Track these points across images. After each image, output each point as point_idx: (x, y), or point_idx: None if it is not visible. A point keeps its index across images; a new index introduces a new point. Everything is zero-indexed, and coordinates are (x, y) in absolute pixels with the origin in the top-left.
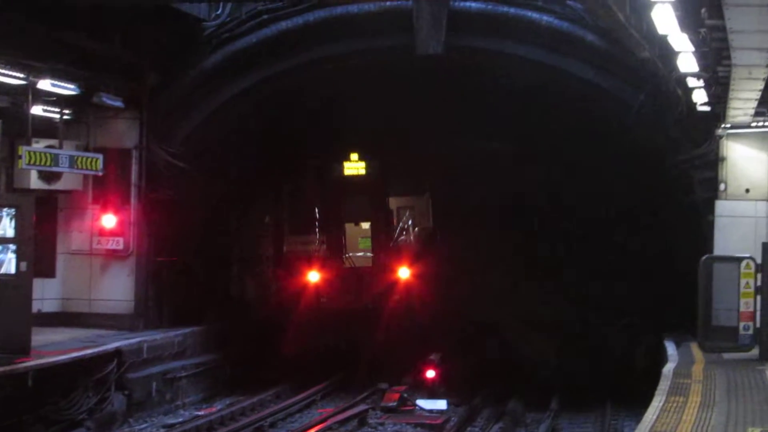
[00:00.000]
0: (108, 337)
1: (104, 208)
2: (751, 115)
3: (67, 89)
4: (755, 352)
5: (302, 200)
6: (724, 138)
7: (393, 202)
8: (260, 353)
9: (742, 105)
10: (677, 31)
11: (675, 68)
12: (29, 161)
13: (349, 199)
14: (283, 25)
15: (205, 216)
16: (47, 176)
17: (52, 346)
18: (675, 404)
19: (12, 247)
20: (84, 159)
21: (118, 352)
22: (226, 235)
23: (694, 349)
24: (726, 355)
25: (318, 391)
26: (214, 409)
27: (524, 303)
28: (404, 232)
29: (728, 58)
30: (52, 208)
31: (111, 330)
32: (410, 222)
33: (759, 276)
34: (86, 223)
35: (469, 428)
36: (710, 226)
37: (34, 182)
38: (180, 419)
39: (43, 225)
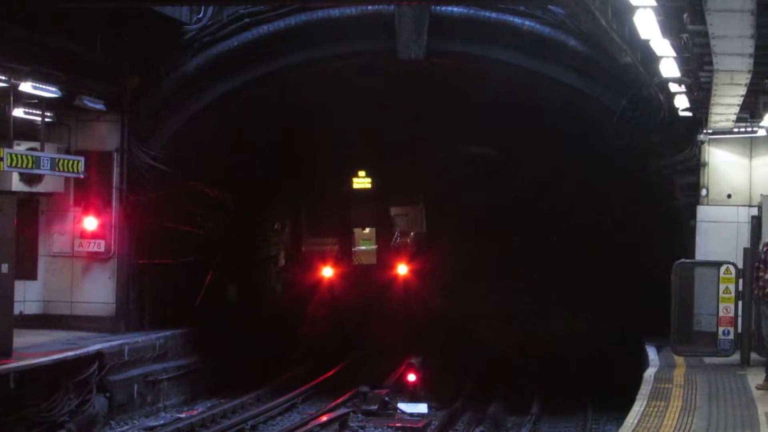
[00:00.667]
0: (89, 340)
1: (86, 211)
2: (733, 121)
3: (49, 92)
4: (736, 357)
5: (318, 209)
6: (706, 143)
7: (392, 211)
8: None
9: (724, 110)
10: (659, 36)
11: (657, 73)
12: (10, 163)
13: (356, 208)
14: (265, 28)
15: (189, 219)
16: (29, 178)
17: (34, 348)
18: (656, 409)
19: None
20: (65, 161)
21: (99, 355)
22: (214, 238)
23: (676, 353)
24: (707, 360)
25: (299, 394)
26: (195, 412)
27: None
28: (402, 236)
29: (710, 63)
30: (33, 211)
31: (92, 332)
32: (407, 227)
33: (740, 281)
34: (68, 225)
35: (449, 431)
36: (692, 231)
37: (16, 184)
38: (161, 421)
39: (24, 227)
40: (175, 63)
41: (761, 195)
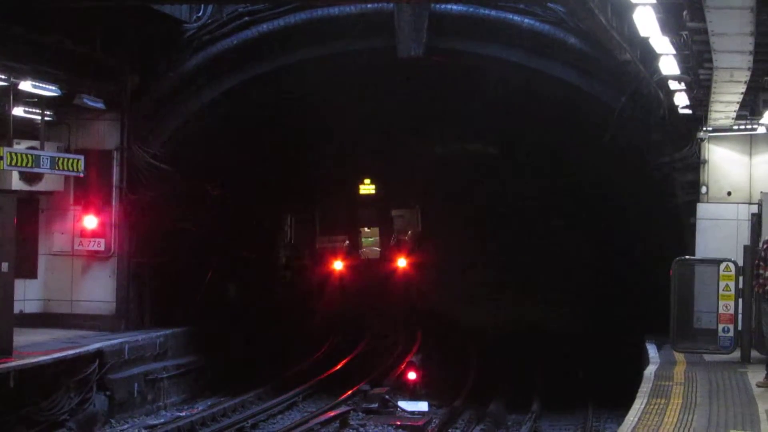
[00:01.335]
0: (89, 338)
1: (86, 210)
2: (732, 118)
3: (49, 90)
4: (736, 354)
5: (329, 211)
6: (705, 141)
7: (393, 213)
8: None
9: (723, 108)
10: (659, 33)
11: (656, 71)
12: (10, 162)
13: (363, 210)
14: (264, 27)
15: (189, 217)
16: (29, 177)
17: (34, 347)
18: (656, 406)
19: None
20: (65, 160)
21: (99, 353)
22: (214, 236)
23: (676, 351)
24: (707, 357)
25: (300, 392)
26: (195, 410)
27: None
28: (401, 234)
29: (710, 60)
30: (33, 209)
31: (92, 331)
32: (405, 226)
33: (740, 278)
34: (68, 224)
35: (450, 430)
36: (692, 228)
37: (16, 183)
38: (162, 420)
39: (24, 226)
40: (174, 62)
41: (761, 192)
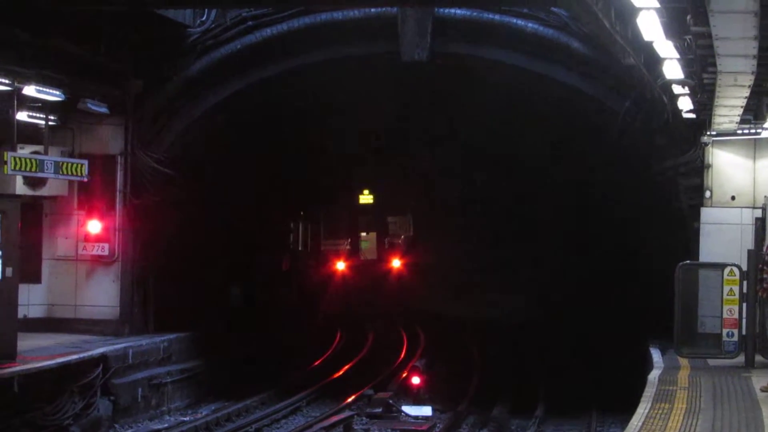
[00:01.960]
0: (93, 343)
1: (90, 214)
2: (736, 123)
3: (53, 95)
4: (740, 358)
5: (333, 217)
6: (709, 145)
7: (388, 219)
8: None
9: (727, 112)
10: (662, 38)
11: (660, 75)
12: (14, 167)
13: (362, 217)
14: (268, 31)
15: (193, 221)
16: (32, 182)
17: (38, 352)
18: (660, 411)
19: None
20: (69, 165)
21: (103, 358)
22: (219, 240)
23: (680, 355)
24: (711, 362)
25: (304, 397)
26: (199, 415)
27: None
28: (395, 237)
29: (714, 65)
30: (37, 214)
31: (97, 336)
32: (399, 231)
33: (745, 283)
34: (72, 228)
35: None
36: (695, 233)
37: (20, 188)
38: (165, 425)
39: (28, 231)
40: (178, 66)
41: (765, 197)
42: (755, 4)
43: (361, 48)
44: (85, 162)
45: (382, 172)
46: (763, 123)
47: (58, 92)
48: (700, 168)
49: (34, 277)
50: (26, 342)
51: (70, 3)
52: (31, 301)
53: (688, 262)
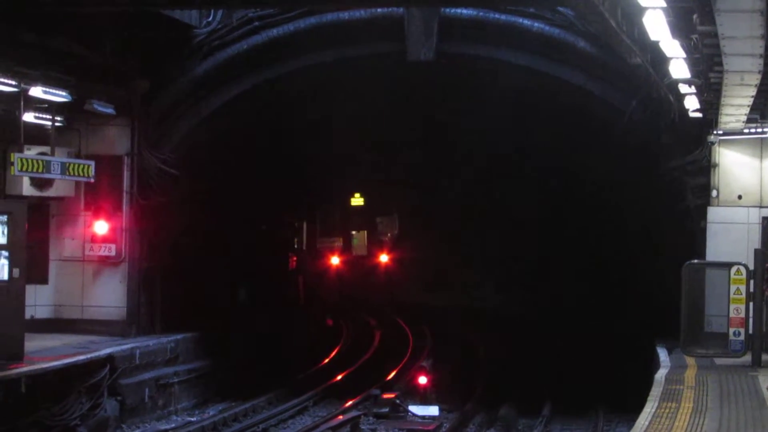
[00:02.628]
0: (100, 344)
1: (96, 215)
2: (743, 122)
3: (59, 96)
4: (747, 357)
5: (328, 217)
6: (716, 144)
7: (377, 219)
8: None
9: (734, 111)
10: (669, 37)
11: (667, 74)
12: (21, 168)
13: (354, 217)
14: (274, 32)
15: (199, 222)
16: (39, 183)
17: (45, 352)
18: (667, 410)
19: (4, 253)
20: (76, 166)
21: (110, 358)
22: (225, 241)
23: (686, 355)
24: (718, 361)
25: (311, 397)
26: (206, 415)
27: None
28: (383, 235)
29: (720, 64)
30: (44, 215)
31: (103, 336)
32: (386, 229)
33: (751, 282)
34: (78, 229)
35: None
36: (702, 232)
37: (27, 189)
38: (173, 425)
39: (35, 231)
40: (184, 67)
41: None
42: (762, 3)
43: (367, 48)
44: (92, 163)
45: (373, 174)
46: None
47: (64, 93)
48: (706, 167)
49: (41, 278)
50: (33, 342)
51: (75, 4)
52: (38, 301)
53: (694, 261)
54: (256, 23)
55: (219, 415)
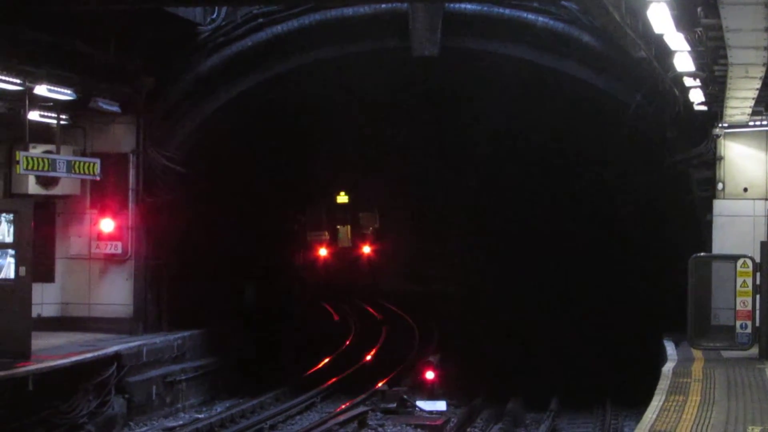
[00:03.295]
0: (107, 341)
1: (102, 213)
2: (748, 114)
3: (64, 94)
4: (754, 350)
5: (316, 213)
6: (721, 137)
7: (360, 215)
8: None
9: (739, 104)
10: (673, 30)
11: (671, 68)
12: (27, 166)
13: (339, 213)
14: (279, 28)
15: (205, 219)
16: (45, 181)
17: (52, 351)
18: (675, 403)
19: (11, 252)
20: (81, 164)
21: (117, 356)
22: (230, 238)
23: (694, 348)
24: (725, 354)
25: (318, 393)
26: (214, 412)
27: None
28: (365, 229)
29: (725, 57)
30: (50, 213)
31: (110, 334)
32: (368, 224)
33: (758, 275)
34: (84, 227)
35: (469, 429)
36: (708, 225)
37: (32, 187)
38: (180, 422)
39: (41, 230)
40: (189, 64)
41: None
42: None
43: (371, 44)
44: (97, 161)
45: (358, 173)
46: None
47: (69, 91)
48: (712, 160)
49: (48, 276)
50: (40, 341)
51: (80, 2)
52: (45, 300)
53: (701, 254)
54: (261, 20)
55: (226, 412)
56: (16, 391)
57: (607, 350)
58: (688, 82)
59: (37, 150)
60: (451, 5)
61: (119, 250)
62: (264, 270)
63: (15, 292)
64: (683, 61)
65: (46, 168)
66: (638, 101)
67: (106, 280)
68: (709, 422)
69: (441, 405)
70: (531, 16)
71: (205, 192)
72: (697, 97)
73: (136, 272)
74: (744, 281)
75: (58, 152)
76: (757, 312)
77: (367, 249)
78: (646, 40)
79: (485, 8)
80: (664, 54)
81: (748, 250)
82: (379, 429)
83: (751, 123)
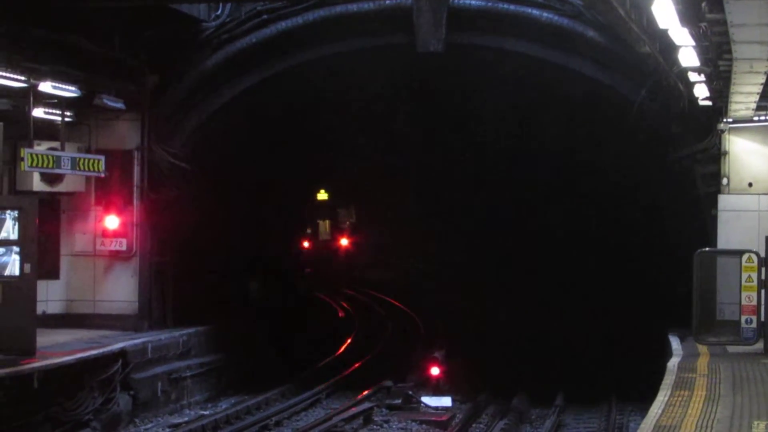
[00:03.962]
0: (112, 338)
1: (107, 210)
2: (753, 109)
3: (68, 91)
4: (759, 345)
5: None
6: (726, 132)
7: (339, 210)
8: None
9: (743, 99)
10: (678, 25)
11: (676, 63)
12: (31, 163)
13: (320, 209)
14: (283, 25)
15: (210, 215)
16: (50, 178)
17: (57, 347)
18: (680, 398)
19: (16, 248)
20: (86, 161)
21: (122, 353)
22: (234, 234)
23: (699, 343)
24: (730, 349)
25: (323, 389)
26: (219, 409)
27: None
28: (343, 223)
29: (729, 52)
30: (55, 210)
31: (115, 331)
32: (346, 218)
33: (763, 269)
34: (89, 224)
35: (474, 425)
36: (713, 220)
37: (37, 184)
38: (185, 418)
39: (46, 227)
40: (193, 61)
41: None
42: None
43: (376, 40)
44: (102, 157)
45: (336, 171)
46: None
47: (73, 88)
48: (716, 155)
49: (53, 273)
50: (45, 338)
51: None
52: (50, 296)
53: (706, 249)
54: (265, 16)
55: (232, 409)
56: (22, 388)
57: (612, 345)
58: (692, 77)
59: (41, 147)
60: (456, 1)
61: (124, 247)
62: (268, 265)
63: (20, 289)
64: (688, 56)
65: (50, 165)
66: (643, 96)
67: (110, 276)
68: (714, 417)
69: (446, 401)
70: (535, 12)
71: (209, 188)
72: (701, 92)
73: (141, 269)
74: (749, 276)
75: (62, 149)
76: (762, 307)
77: (344, 241)
78: (651, 35)
79: (490, 4)
80: (669, 49)
81: (753, 245)
82: (385, 425)
83: (756, 118)
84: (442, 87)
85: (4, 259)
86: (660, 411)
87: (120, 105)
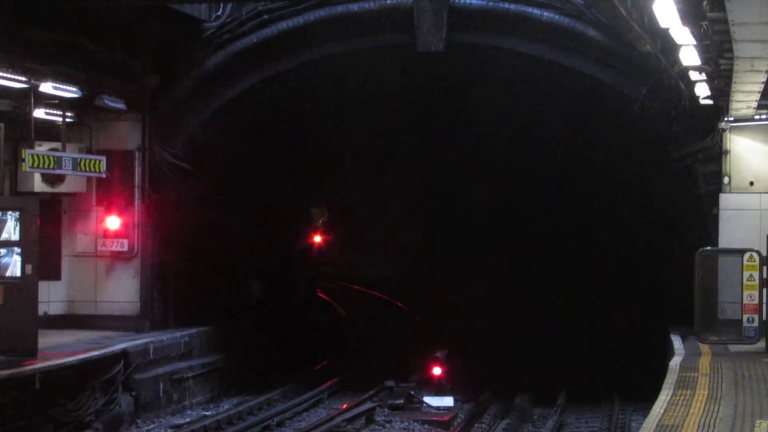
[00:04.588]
0: (114, 339)
1: (108, 210)
2: (754, 108)
3: (69, 92)
4: (761, 344)
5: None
6: (727, 131)
7: (311, 209)
8: None
9: (745, 98)
10: (678, 24)
11: (677, 62)
12: (32, 164)
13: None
14: (284, 25)
15: (212, 215)
16: (51, 179)
17: (59, 348)
18: (682, 397)
19: (17, 249)
20: (87, 161)
21: (124, 354)
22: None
23: (701, 342)
24: (732, 348)
25: (325, 390)
26: (221, 409)
27: None
28: (316, 222)
29: (730, 50)
30: (56, 211)
31: (117, 331)
32: (319, 218)
33: (765, 268)
34: (91, 225)
35: (476, 425)
36: (715, 219)
37: (38, 185)
38: (188, 419)
39: (47, 227)
40: (194, 61)
41: None
42: None
43: (377, 40)
44: (103, 158)
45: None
46: None
47: (74, 89)
48: (718, 154)
49: (54, 274)
50: (47, 339)
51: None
52: (52, 297)
53: (707, 248)
54: (266, 16)
55: (234, 409)
56: (23, 389)
57: (614, 345)
58: (693, 75)
59: (42, 148)
60: (457, 0)
61: (125, 248)
62: (269, 265)
63: (21, 290)
64: (689, 55)
65: (51, 165)
66: (644, 95)
67: (112, 277)
68: (716, 416)
69: (448, 401)
70: (536, 11)
71: (211, 188)
72: (702, 91)
73: (143, 269)
74: (751, 275)
75: (63, 150)
76: (764, 306)
77: (317, 238)
78: (652, 34)
79: (491, 3)
80: (670, 48)
81: (754, 243)
82: (387, 425)
83: (757, 117)
84: (442, 87)
85: (6, 260)
86: (662, 410)
87: (121, 105)
